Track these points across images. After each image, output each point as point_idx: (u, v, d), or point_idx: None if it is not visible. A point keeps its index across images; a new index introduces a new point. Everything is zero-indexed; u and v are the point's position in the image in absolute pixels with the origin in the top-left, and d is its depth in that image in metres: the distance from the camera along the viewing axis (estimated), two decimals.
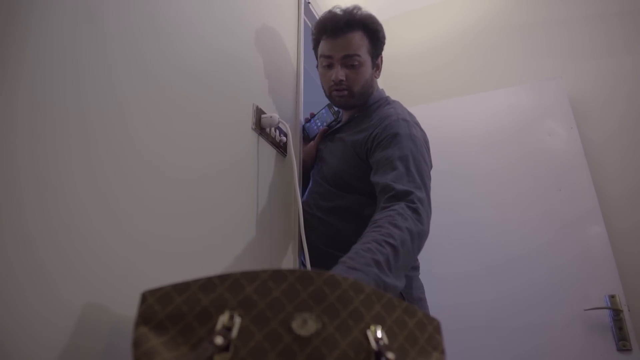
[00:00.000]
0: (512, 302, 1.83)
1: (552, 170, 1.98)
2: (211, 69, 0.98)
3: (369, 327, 0.53)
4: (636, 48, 2.16)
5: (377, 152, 1.11)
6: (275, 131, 1.20)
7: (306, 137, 1.42)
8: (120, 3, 0.75)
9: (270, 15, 1.34)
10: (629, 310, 1.68)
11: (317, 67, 1.31)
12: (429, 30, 2.73)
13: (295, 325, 0.51)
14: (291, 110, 1.37)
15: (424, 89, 2.57)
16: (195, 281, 0.54)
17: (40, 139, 0.57)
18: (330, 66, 1.25)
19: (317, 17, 1.42)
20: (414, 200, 0.96)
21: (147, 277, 0.70)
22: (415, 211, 0.94)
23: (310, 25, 1.64)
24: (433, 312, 1.14)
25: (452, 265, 1.97)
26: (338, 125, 1.33)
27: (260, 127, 1.14)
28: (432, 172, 1.17)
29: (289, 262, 1.18)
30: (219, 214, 0.92)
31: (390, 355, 0.49)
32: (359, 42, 1.21)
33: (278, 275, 0.55)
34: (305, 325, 0.51)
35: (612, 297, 1.70)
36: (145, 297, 0.53)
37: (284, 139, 1.25)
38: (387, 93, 1.35)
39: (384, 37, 1.28)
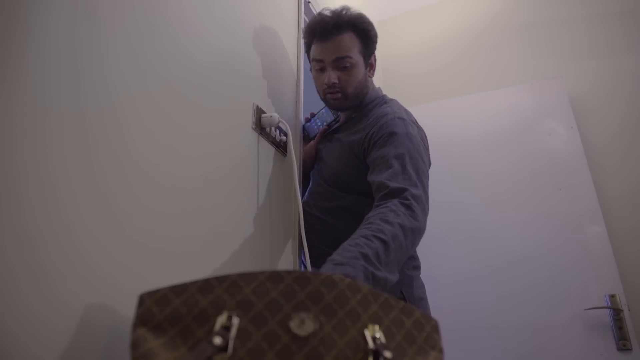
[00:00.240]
0: (512, 302, 1.83)
1: (552, 170, 1.98)
2: (211, 69, 0.98)
3: (366, 327, 0.54)
4: (636, 48, 2.16)
5: (373, 151, 1.11)
6: (276, 131, 1.21)
7: (306, 137, 1.42)
8: (120, 3, 0.75)
9: (271, 14, 1.34)
10: (629, 310, 1.68)
11: (310, 70, 1.31)
12: (429, 30, 2.73)
13: (293, 325, 0.51)
14: (291, 110, 1.38)
15: (424, 89, 2.57)
16: (193, 283, 0.54)
17: (40, 139, 0.57)
18: (322, 70, 1.24)
19: None
20: (407, 197, 0.95)
21: (147, 277, 0.70)
22: (408, 207, 0.93)
23: None
24: (433, 312, 1.14)
25: (452, 265, 1.97)
26: (336, 126, 1.33)
27: (261, 127, 1.14)
28: (433, 172, 1.17)
29: (288, 261, 1.18)
30: (219, 213, 0.92)
31: (387, 354, 0.50)
32: (349, 43, 1.21)
33: (275, 276, 0.55)
34: (303, 325, 0.51)
35: (612, 296, 1.70)
36: (143, 299, 0.53)
37: (284, 138, 1.25)
38: (387, 93, 1.35)
39: (375, 36, 1.27)
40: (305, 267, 1.15)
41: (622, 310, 1.67)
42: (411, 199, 0.95)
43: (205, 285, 0.54)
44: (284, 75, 1.37)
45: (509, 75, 2.38)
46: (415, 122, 1.20)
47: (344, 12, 1.21)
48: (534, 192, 1.97)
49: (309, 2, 1.65)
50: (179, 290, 0.53)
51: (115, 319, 0.63)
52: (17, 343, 0.50)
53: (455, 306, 1.88)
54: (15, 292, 0.51)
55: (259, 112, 1.14)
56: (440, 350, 0.57)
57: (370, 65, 1.29)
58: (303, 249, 1.11)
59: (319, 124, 1.38)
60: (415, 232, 0.93)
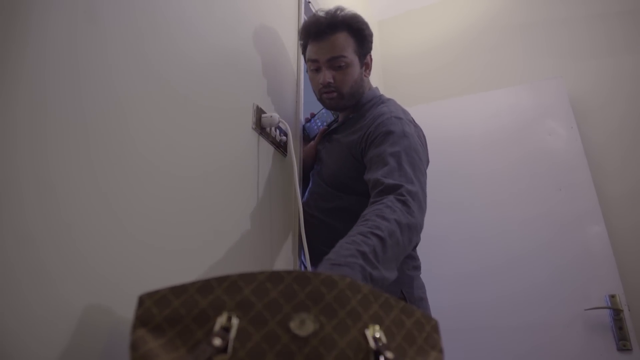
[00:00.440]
0: (512, 302, 1.83)
1: (552, 170, 1.98)
2: (211, 69, 0.98)
3: (367, 327, 0.53)
4: (636, 48, 2.16)
5: (370, 150, 1.11)
6: (276, 131, 1.21)
7: (306, 137, 1.42)
8: (120, 3, 0.75)
9: (271, 14, 1.34)
10: (629, 310, 1.68)
11: (306, 71, 1.31)
12: (429, 30, 2.73)
13: (293, 325, 0.51)
14: (291, 110, 1.38)
15: (424, 89, 2.57)
16: (193, 283, 0.54)
17: (40, 139, 0.57)
18: (317, 70, 1.24)
19: None
20: (403, 193, 0.94)
21: (148, 277, 0.70)
22: (404, 203, 0.92)
23: None
24: (433, 312, 1.14)
25: (452, 265, 1.97)
26: (335, 126, 1.33)
27: (261, 127, 1.14)
28: (433, 172, 1.17)
29: (288, 261, 1.18)
30: (219, 213, 0.92)
31: (388, 354, 0.49)
32: (344, 42, 1.21)
33: (275, 276, 0.55)
34: (303, 325, 0.51)
35: (612, 296, 1.70)
36: (142, 300, 0.53)
37: (284, 138, 1.25)
38: (387, 93, 1.35)
39: (370, 35, 1.27)
40: (305, 267, 1.15)
41: (622, 311, 1.67)
42: (407, 195, 0.94)
43: (204, 286, 0.54)
44: (284, 75, 1.37)
45: (509, 75, 2.38)
46: (412, 121, 1.19)
47: (338, 12, 1.22)
48: (534, 192, 1.97)
49: (309, 2, 1.65)
50: (178, 291, 0.53)
51: (116, 319, 0.63)
52: (17, 343, 0.50)
53: (456, 306, 1.88)
54: (15, 292, 0.51)
55: (259, 112, 1.14)
56: (440, 351, 0.57)
57: (366, 65, 1.29)
58: (303, 249, 1.11)
59: (319, 124, 1.38)
60: (412, 229, 0.91)
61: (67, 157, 0.61)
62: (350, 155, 1.18)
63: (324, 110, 1.36)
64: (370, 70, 1.31)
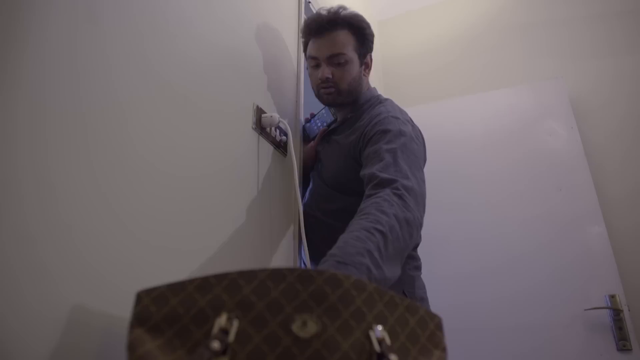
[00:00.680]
0: (512, 303, 1.83)
1: (553, 170, 1.97)
2: (211, 69, 0.98)
3: (371, 327, 0.51)
4: (636, 48, 2.16)
5: (366, 148, 1.10)
6: (276, 131, 1.20)
7: (306, 137, 1.42)
8: (120, 3, 0.75)
9: (271, 14, 1.34)
10: (629, 310, 1.68)
11: (306, 68, 1.32)
12: (429, 31, 2.73)
13: (295, 327, 0.49)
14: (291, 110, 1.37)
15: (424, 89, 2.57)
16: (192, 281, 0.52)
17: (40, 139, 0.57)
18: (317, 66, 1.25)
19: None
20: (398, 187, 0.93)
21: (148, 277, 0.70)
22: (400, 197, 0.91)
23: None
24: (434, 312, 1.14)
25: (452, 266, 1.97)
26: (334, 126, 1.32)
27: (261, 127, 1.14)
28: (433, 172, 1.17)
29: (289, 262, 1.18)
30: (219, 213, 0.92)
31: (393, 357, 0.48)
32: (344, 40, 1.21)
33: (277, 274, 0.52)
34: (305, 326, 0.49)
35: (612, 297, 1.70)
36: (140, 297, 0.51)
37: (284, 138, 1.25)
38: (387, 93, 1.35)
39: (371, 35, 1.27)
40: (305, 266, 1.15)
41: (622, 311, 1.67)
42: (402, 190, 0.93)
43: (203, 284, 0.52)
44: (284, 75, 1.37)
45: (509, 76, 2.38)
46: (410, 121, 1.19)
47: (340, 10, 1.23)
48: (534, 192, 1.97)
49: (309, 1, 1.64)
50: (176, 288, 0.51)
51: (116, 319, 0.62)
52: (17, 342, 0.50)
53: (456, 306, 1.88)
54: (15, 292, 0.51)
55: (259, 112, 1.14)
56: (444, 349, 0.56)
57: (366, 65, 1.29)
58: (303, 249, 1.10)
59: (319, 124, 1.38)
60: (410, 223, 0.89)
61: (67, 157, 0.61)
62: (349, 156, 1.18)
63: (324, 111, 1.36)
64: (370, 70, 1.31)
